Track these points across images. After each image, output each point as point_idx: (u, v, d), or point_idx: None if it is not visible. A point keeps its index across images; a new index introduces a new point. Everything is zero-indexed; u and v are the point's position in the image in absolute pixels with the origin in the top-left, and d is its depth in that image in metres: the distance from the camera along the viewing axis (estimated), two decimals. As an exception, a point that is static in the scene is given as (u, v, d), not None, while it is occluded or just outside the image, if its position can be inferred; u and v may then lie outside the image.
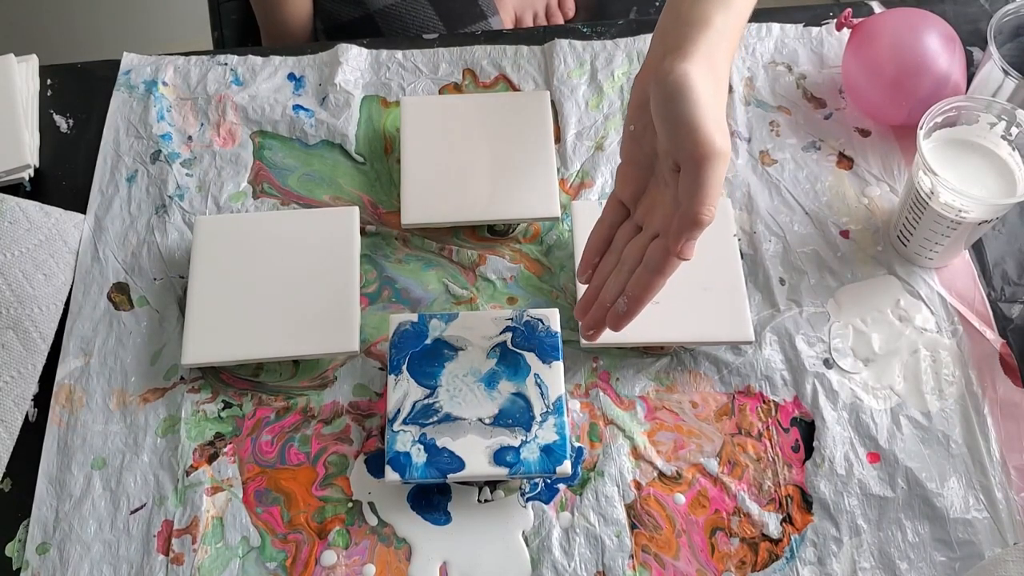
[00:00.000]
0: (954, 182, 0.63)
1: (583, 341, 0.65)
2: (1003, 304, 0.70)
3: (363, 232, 0.73)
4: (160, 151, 0.77)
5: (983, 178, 0.66)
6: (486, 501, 0.63)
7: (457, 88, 0.81)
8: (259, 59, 0.82)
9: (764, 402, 0.66)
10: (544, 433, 0.62)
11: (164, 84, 0.80)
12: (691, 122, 0.55)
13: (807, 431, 0.65)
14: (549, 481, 0.64)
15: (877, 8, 0.83)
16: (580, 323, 0.64)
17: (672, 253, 0.57)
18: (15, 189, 0.75)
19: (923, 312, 0.69)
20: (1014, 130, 0.65)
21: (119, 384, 0.67)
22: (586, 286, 0.64)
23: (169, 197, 0.75)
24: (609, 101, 0.79)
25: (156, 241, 0.73)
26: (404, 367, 0.64)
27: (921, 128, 0.64)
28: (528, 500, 0.63)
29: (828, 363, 0.68)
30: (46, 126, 0.79)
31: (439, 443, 0.61)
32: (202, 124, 0.79)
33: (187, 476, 0.64)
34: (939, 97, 0.68)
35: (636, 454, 0.65)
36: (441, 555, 0.61)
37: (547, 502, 0.63)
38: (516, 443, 0.61)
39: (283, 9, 0.95)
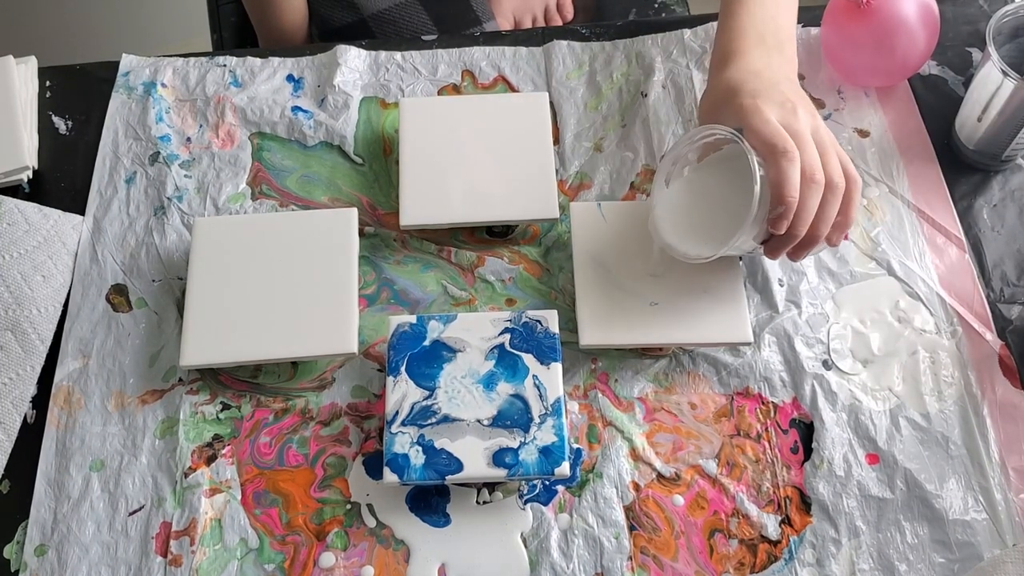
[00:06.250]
0: None
1: (581, 342, 0.65)
2: (1002, 305, 0.70)
3: (362, 233, 0.73)
4: (159, 153, 0.77)
5: None
6: (485, 503, 0.63)
7: (456, 89, 0.81)
8: (258, 61, 0.82)
9: (763, 403, 0.66)
10: (542, 435, 0.61)
11: (163, 85, 0.80)
12: None
13: (806, 432, 0.65)
14: (548, 483, 0.64)
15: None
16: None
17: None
18: (14, 191, 0.75)
19: (922, 313, 0.69)
20: None
21: (118, 386, 0.67)
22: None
23: (168, 199, 0.75)
24: (608, 102, 0.79)
25: (155, 243, 0.73)
26: (403, 368, 0.64)
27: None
28: (527, 502, 0.63)
29: (827, 364, 0.68)
30: (45, 128, 0.79)
31: (437, 444, 0.61)
32: (201, 126, 0.79)
33: (185, 478, 0.64)
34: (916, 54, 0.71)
35: (635, 455, 0.65)
36: (440, 557, 0.61)
37: (546, 504, 0.63)
38: (515, 445, 0.61)
39: (278, 16, 0.95)
